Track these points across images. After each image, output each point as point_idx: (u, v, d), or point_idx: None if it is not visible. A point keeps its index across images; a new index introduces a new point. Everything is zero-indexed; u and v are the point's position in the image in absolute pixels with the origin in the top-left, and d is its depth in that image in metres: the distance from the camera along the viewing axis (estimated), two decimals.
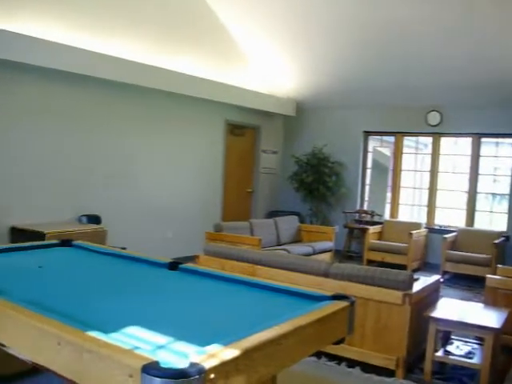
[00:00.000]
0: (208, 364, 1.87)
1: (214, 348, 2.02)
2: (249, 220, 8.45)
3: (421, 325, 4.55)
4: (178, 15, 8.11)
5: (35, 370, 2.52)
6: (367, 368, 4.47)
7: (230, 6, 8.47)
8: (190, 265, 3.82)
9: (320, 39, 8.62)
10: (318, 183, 10.10)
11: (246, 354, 2.04)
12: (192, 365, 1.84)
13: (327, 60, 9.10)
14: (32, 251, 4.28)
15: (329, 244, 8.63)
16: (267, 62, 9.79)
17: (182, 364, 1.85)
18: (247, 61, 9.71)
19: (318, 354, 4.60)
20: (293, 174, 10.46)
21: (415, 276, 4.69)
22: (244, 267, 4.94)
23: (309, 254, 7.79)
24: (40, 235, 5.83)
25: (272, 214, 10.23)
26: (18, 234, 6.25)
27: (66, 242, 4.54)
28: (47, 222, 6.58)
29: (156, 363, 1.84)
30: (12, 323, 2.46)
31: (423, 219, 9.90)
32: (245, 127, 10.30)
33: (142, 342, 2.18)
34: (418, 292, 4.53)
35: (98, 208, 7.30)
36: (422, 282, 4.91)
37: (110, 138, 7.56)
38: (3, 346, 2.61)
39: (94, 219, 7.14)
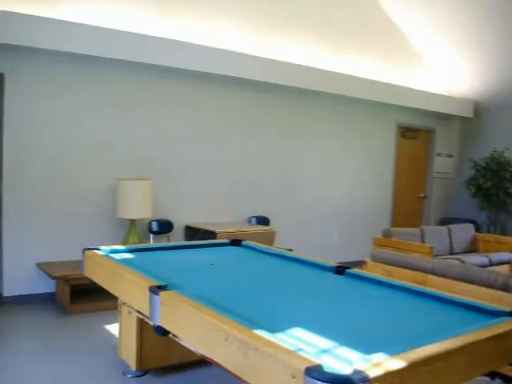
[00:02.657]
0: (372, 373, 1.79)
1: (378, 357, 1.94)
2: (420, 226, 8.11)
3: None
4: (346, 16, 8.05)
5: (203, 361, 2.62)
6: None
7: (401, 5, 8.21)
8: (356, 270, 3.74)
9: (496, 36, 8.00)
10: (497, 189, 9.38)
11: (412, 366, 1.93)
12: (356, 372, 1.78)
13: (507, 56, 8.42)
14: (204, 249, 4.51)
15: (508, 255, 7.97)
16: (441, 61, 9.32)
17: (345, 370, 1.80)
18: (420, 60, 9.33)
19: (492, 375, 4.23)
20: (469, 178, 9.83)
21: None
22: (413, 276, 4.73)
23: (484, 266, 7.24)
24: (212, 234, 6.13)
25: (445, 221, 9.72)
26: (192, 233, 6.63)
27: (235, 242, 4.70)
28: (219, 222, 6.91)
29: (319, 367, 1.81)
30: (185, 316, 2.59)
31: None
32: (418, 130, 9.91)
33: (306, 344, 2.16)
34: None
35: (266, 210, 7.50)
36: None
37: (278, 142, 7.72)
38: (176, 336, 2.76)
39: (263, 220, 7.34)
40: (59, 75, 5.90)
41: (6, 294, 5.81)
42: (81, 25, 5.60)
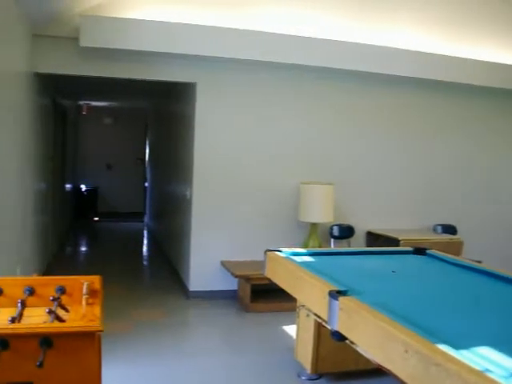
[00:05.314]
0: None
1: None
2: None
3: None
4: None
5: (379, 370, 2.53)
6: None
7: None
8: None
9: None
10: None
11: None
12: None
13: None
14: (386, 256, 4.38)
15: None
16: None
17: None
18: None
19: None
20: None
21: None
22: None
23: None
24: (394, 241, 5.94)
25: None
26: (373, 239, 6.51)
27: (419, 250, 4.50)
28: (401, 229, 6.68)
29: None
30: (363, 323, 2.52)
31: None
32: None
33: (494, 365, 1.97)
34: None
35: (453, 218, 7.08)
36: None
37: (462, 148, 7.25)
38: (353, 343, 2.71)
39: (449, 229, 6.94)
40: (244, 82, 6.21)
41: (191, 288, 6.23)
42: (265, 33, 5.83)
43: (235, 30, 5.69)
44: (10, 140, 4.63)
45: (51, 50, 5.71)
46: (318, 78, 6.37)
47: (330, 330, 2.87)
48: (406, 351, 2.12)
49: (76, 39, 5.40)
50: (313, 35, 6.02)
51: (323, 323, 3.13)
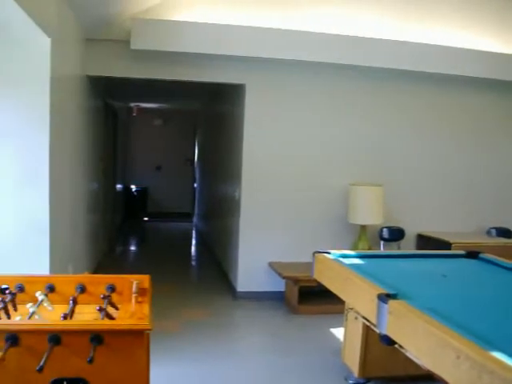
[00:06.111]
0: None
1: None
2: None
3: None
4: None
5: (429, 376, 2.47)
6: None
7: None
8: None
9: None
10: None
11: None
12: None
13: None
14: (437, 259, 4.28)
15: None
16: None
17: None
18: None
19: None
20: None
21: None
22: None
23: None
24: (446, 244, 5.81)
25: None
26: (424, 242, 6.38)
27: (472, 254, 4.38)
28: (453, 232, 6.51)
29: None
30: (413, 328, 2.47)
31: None
32: None
33: None
34: None
35: (509, 221, 6.86)
36: None
37: None
38: (402, 348, 2.65)
39: (505, 233, 6.73)
40: (292, 83, 6.20)
41: (239, 289, 6.25)
42: (314, 33, 5.78)
43: (284, 30, 5.67)
44: (64, 141, 4.76)
45: (102, 52, 5.85)
46: (367, 77, 6.29)
47: (379, 334, 2.82)
48: (458, 357, 2.06)
49: (126, 42, 5.51)
50: (364, 35, 5.94)
51: (372, 326, 3.08)
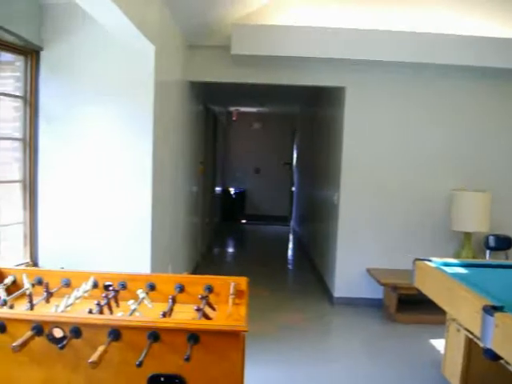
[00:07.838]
0: None
1: None
2: None
3: None
4: None
5: None
6: None
7: None
8: None
9: None
10: None
11: None
12: None
13: None
14: None
15: None
16: None
17: None
18: None
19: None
20: None
21: None
22: None
23: None
24: None
25: None
26: None
27: None
28: None
29: None
30: None
31: None
32: None
33: None
34: None
35: None
36: None
37: None
38: (509, 364, 2.50)
39: None
40: (392, 85, 6.07)
41: (336, 294, 6.18)
42: (414, 34, 5.59)
43: (383, 31, 5.53)
44: (167, 145, 4.93)
45: (203, 58, 6.01)
46: (470, 77, 5.99)
47: (483, 348, 2.68)
48: None
49: (226, 47, 5.61)
50: (466, 33, 5.67)
51: (475, 339, 2.93)
